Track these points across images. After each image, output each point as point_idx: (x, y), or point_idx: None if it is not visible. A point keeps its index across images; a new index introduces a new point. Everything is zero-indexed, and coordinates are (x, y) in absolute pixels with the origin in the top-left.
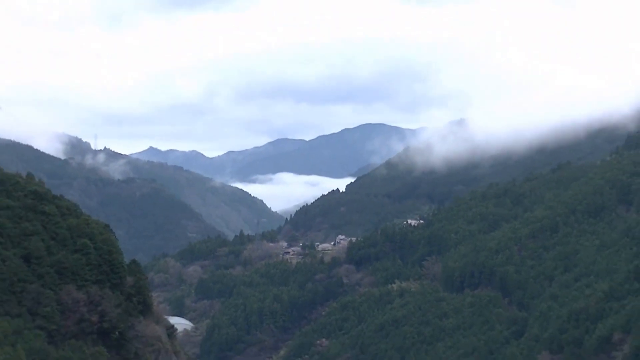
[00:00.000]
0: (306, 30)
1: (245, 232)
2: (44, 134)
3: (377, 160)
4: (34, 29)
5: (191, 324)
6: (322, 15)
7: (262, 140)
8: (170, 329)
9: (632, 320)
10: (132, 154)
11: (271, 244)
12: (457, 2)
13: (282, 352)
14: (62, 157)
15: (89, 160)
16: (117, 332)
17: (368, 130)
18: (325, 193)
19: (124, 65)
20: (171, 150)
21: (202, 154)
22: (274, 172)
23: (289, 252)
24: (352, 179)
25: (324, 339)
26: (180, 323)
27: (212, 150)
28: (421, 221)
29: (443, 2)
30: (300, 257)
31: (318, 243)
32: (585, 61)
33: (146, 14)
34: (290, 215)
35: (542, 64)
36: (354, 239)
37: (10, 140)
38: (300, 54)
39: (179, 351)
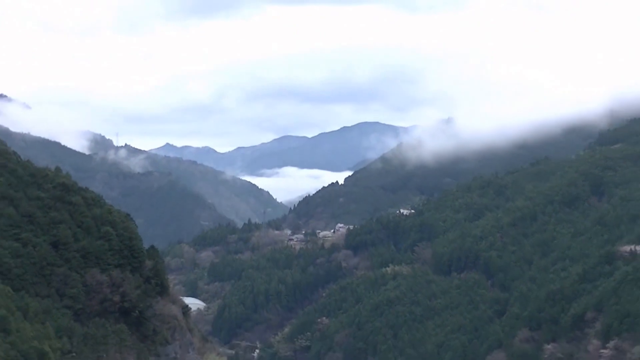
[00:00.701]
0: (308, 37)
1: (253, 221)
2: (70, 131)
3: (373, 155)
4: (60, 36)
5: (204, 304)
6: (323, 24)
7: (268, 137)
8: (185, 309)
9: (604, 300)
10: (150, 149)
11: (276, 232)
12: (445, 11)
13: (286, 330)
14: (87, 152)
15: (111, 155)
16: (137, 311)
17: (365, 128)
18: (326, 185)
19: (142, 69)
20: (186, 146)
21: (214, 150)
22: (279, 166)
23: (292, 239)
24: (350, 173)
25: (324, 318)
26: (193, 303)
27: (223, 146)
28: (412, 211)
29: (433, 11)
30: (303, 243)
31: (319, 231)
32: (561, 65)
33: (162, 22)
34: (294, 205)
35: (523, 68)
36: (351, 227)
37: (40, 138)
38: (303, 59)
39: (192, 329)
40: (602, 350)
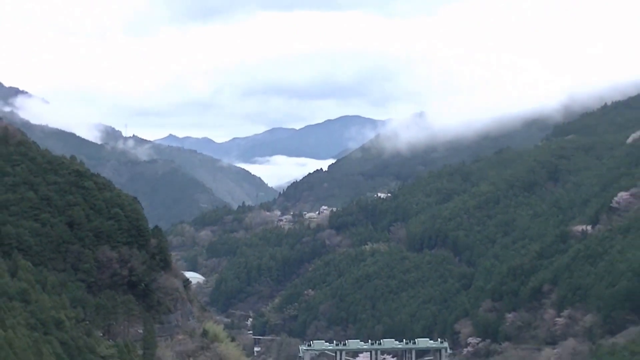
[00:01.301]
0: (296, 40)
1: (247, 204)
2: (84, 124)
3: (354, 145)
4: (76, 38)
5: (203, 278)
6: (309, 28)
7: (260, 129)
8: (186, 282)
9: (558, 274)
10: (155, 140)
11: (267, 213)
12: (419, 17)
13: (276, 300)
14: (99, 142)
15: (120, 145)
16: (143, 284)
17: (346, 121)
18: (311, 172)
19: (148, 68)
20: (187, 137)
21: (212, 140)
22: (270, 155)
23: (282, 220)
24: (333, 161)
25: (310, 290)
26: (193, 277)
27: (220, 137)
28: (389, 195)
29: (407, 17)
30: (291, 223)
31: (305, 212)
32: (521, 65)
33: (165, 27)
34: (283, 189)
35: (487, 67)
36: (334, 209)
37: (56, 129)
38: (291, 60)
39: (192, 300)
40: (556, 319)
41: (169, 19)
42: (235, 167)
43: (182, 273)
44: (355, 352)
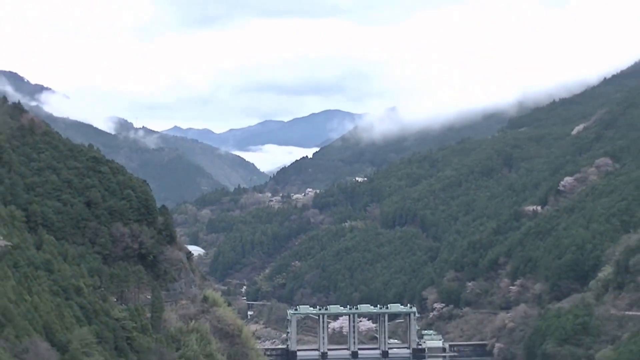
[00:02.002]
0: (285, 43)
1: (242, 186)
2: (100, 116)
3: (335, 136)
4: (94, 40)
5: (203, 251)
6: (297, 33)
7: (254, 121)
8: (188, 254)
9: (512, 248)
10: (162, 130)
11: (260, 195)
12: (391, 24)
13: (267, 271)
14: (113, 133)
15: (131, 135)
16: (151, 256)
17: (329, 114)
18: (298, 159)
19: (156, 67)
20: (189, 128)
21: (212, 131)
22: (262, 144)
23: (272, 200)
24: (317, 149)
25: (296, 261)
26: (195, 250)
27: (218, 128)
28: (365, 179)
29: (382, 23)
30: (280, 203)
31: (293, 194)
32: (481, 65)
33: (172, 32)
34: (273, 174)
35: (451, 68)
36: (318, 191)
37: (76, 121)
38: (281, 60)
39: (194, 269)
40: (510, 287)
41: (175, 25)
42: (232, 154)
43: (185, 247)
44: (336, 316)
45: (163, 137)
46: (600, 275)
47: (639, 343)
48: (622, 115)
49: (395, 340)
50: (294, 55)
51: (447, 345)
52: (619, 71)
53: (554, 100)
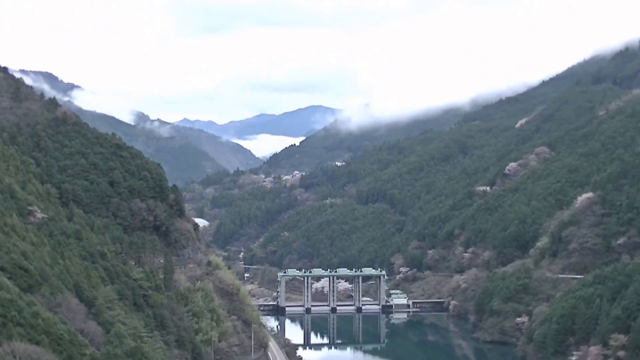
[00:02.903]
0: (278, 48)
1: (240, 169)
2: (121, 109)
3: (319, 127)
4: (114, 45)
5: (207, 223)
6: (288, 40)
7: (250, 114)
8: (195, 226)
9: (465, 222)
10: (173, 122)
11: (255, 176)
12: (365, 32)
13: (261, 240)
14: (132, 123)
15: (148, 125)
16: (164, 227)
17: (313, 109)
18: (288, 146)
19: (168, 68)
20: (196, 120)
21: (215, 122)
22: (258, 133)
23: (265, 181)
24: (303, 138)
25: (285, 232)
26: (201, 222)
27: (221, 120)
28: (343, 163)
29: (357, 32)
30: (272, 183)
31: (283, 175)
32: (441, 67)
33: (182, 37)
34: (267, 159)
35: (417, 69)
36: (304, 173)
37: (102, 114)
38: (275, 63)
39: (200, 238)
40: (464, 254)
41: (185, 32)
42: (232, 142)
43: (192, 219)
44: (318, 278)
45: (174, 127)
46: (538, 244)
47: (569, 300)
48: (557, 111)
49: (368, 298)
50: (285, 58)
51: (410, 302)
52: (554, 74)
53: (501, 99)
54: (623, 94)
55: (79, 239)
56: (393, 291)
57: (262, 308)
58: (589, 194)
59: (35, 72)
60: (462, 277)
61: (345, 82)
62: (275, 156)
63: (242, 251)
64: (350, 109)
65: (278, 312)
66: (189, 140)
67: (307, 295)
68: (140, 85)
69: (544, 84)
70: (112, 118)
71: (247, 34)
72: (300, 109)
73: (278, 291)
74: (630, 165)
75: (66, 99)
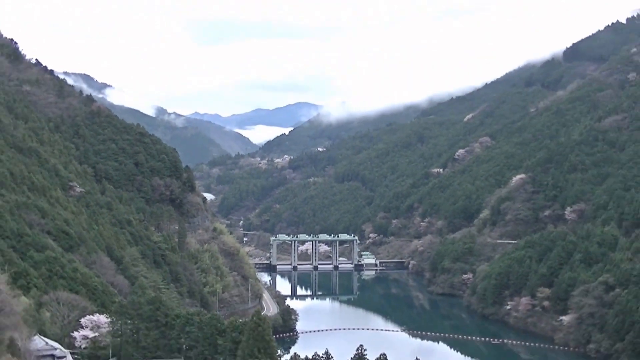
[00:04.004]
0: (272, 55)
1: (240, 153)
2: (145, 104)
3: (304, 119)
4: (138, 51)
5: (213, 197)
6: (279, 49)
7: (249, 109)
8: (203, 199)
9: (422, 197)
10: (186, 115)
11: (252, 159)
12: (343, 41)
13: (257, 211)
14: (153, 116)
15: (166, 117)
16: (178, 200)
17: (300, 105)
18: (279, 135)
19: (182, 70)
20: (205, 113)
21: (220, 115)
22: (255, 125)
23: (261, 163)
24: (292, 129)
25: (276, 205)
26: (208, 196)
27: (225, 113)
28: (324, 149)
29: (337, 41)
30: (266, 165)
31: (275, 159)
32: (403, 71)
33: (194, 45)
34: (262, 145)
35: (384, 73)
36: (292, 157)
37: (129, 108)
38: (269, 67)
39: (207, 209)
40: (421, 223)
41: (197, 42)
42: (234, 132)
43: (201, 194)
44: (303, 242)
45: (187, 119)
46: (481, 215)
47: (505, 261)
48: (497, 109)
49: (343, 259)
50: (276, 64)
51: (377, 262)
52: (495, 79)
53: (452, 98)
54: (549, 95)
55: (110, 209)
56: (364, 253)
57: (257, 266)
58: (522, 175)
59: (75, 74)
60: (420, 241)
61: (326, 84)
62: (269, 143)
63: (241, 220)
64: (330, 105)
65: (270, 269)
66: (199, 130)
67: (294, 256)
68: (160, 85)
69: (486, 86)
70: (137, 111)
71: (246, 44)
72: (289, 105)
73: (270, 252)
74: (555, 152)
75: (100, 96)
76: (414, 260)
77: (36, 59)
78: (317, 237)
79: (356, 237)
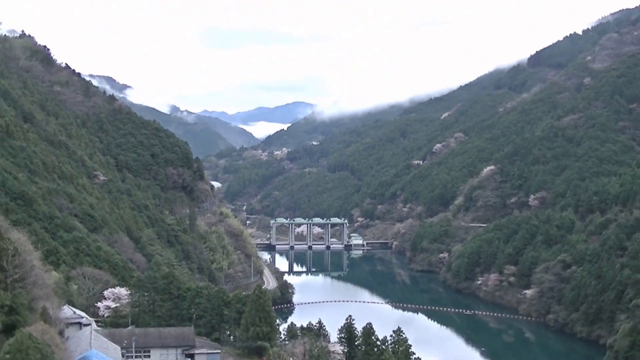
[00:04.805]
0: (271, 59)
1: (244, 146)
2: (160, 103)
3: (301, 116)
4: (154, 56)
5: (220, 184)
6: (278, 54)
7: (252, 107)
8: (212, 187)
9: (405, 185)
10: (197, 112)
11: (255, 151)
12: (333, 47)
13: (258, 197)
14: (168, 113)
15: (179, 114)
16: (189, 187)
17: (297, 104)
18: (278, 130)
19: (193, 72)
20: (213, 110)
21: (226, 113)
22: (257, 121)
23: (262, 155)
24: (290, 124)
25: (276, 192)
26: (216, 184)
27: (231, 111)
28: (318, 143)
29: (327, 47)
30: (267, 157)
31: (274, 151)
32: (388, 74)
33: (204, 50)
34: (263, 139)
35: (370, 75)
36: (290, 149)
37: (146, 106)
38: (268, 69)
39: (215, 196)
40: (403, 208)
41: (207, 47)
42: (238, 127)
43: (210, 182)
44: (299, 224)
45: (197, 116)
46: (456, 202)
47: (476, 242)
48: (470, 108)
49: (334, 239)
50: (276, 67)
51: (365, 243)
52: (468, 82)
53: (431, 98)
54: (516, 97)
55: (129, 195)
56: (352, 234)
57: (258, 245)
58: (492, 167)
59: (99, 76)
60: (402, 225)
61: (320, 85)
62: (269, 137)
63: (245, 205)
64: (323, 104)
65: (270, 248)
66: (208, 126)
67: (291, 237)
68: (174, 85)
69: (461, 88)
70: (153, 109)
71: (249, 49)
72: (287, 103)
73: (270, 234)
74: (520, 146)
75: (121, 95)
76: (397, 241)
77: (66, 63)
78: (312, 220)
79: (346, 221)
